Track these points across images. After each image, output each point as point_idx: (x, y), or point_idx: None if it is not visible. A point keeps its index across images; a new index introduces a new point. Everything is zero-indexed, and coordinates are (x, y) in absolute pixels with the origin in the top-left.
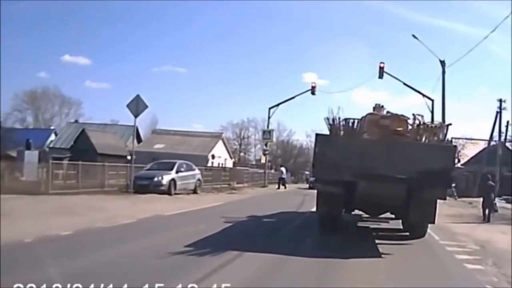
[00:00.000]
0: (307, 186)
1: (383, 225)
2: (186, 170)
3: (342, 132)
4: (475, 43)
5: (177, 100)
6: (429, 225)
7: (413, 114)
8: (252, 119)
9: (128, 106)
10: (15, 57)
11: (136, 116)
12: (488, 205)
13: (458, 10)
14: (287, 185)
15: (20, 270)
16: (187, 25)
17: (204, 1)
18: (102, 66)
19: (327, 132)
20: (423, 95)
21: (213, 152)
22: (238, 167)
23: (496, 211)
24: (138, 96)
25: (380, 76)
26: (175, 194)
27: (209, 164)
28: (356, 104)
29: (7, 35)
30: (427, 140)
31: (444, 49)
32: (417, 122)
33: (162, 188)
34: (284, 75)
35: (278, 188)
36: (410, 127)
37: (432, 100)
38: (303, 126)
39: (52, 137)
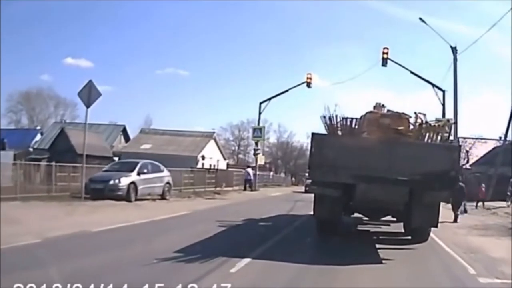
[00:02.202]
0: (303, 189)
1: (384, 228)
2: (152, 172)
3: (340, 132)
4: (477, 43)
5: (179, 102)
6: (454, 245)
7: (415, 113)
8: (252, 120)
9: (79, 94)
10: (18, 60)
11: (88, 106)
12: (458, 206)
13: (461, 10)
14: (252, 187)
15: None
16: (190, 27)
17: (207, 3)
18: (104, 69)
19: (324, 132)
20: (433, 85)
21: (203, 152)
22: (230, 169)
23: (466, 211)
24: (90, 82)
25: (384, 64)
26: (137, 200)
27: (200, 166)
28: (359, 104)
29: (9, 37)
30: (430, 140)
31: (446, 49)
32: (419, 120)
33: (119, 193)
34: (286, 76)
35: (245, 189)
36: (412, 126)
37: (443, 91)
38: (304, 128)
39: (38, 137)
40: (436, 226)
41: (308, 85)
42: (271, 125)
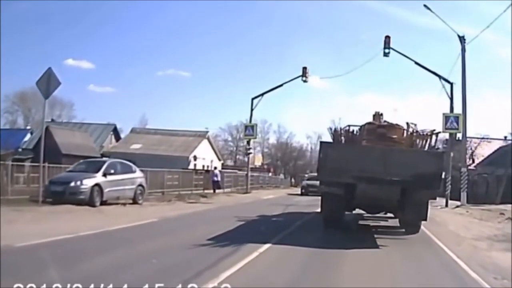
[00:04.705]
0: (300, 191)
1: (382, 223)
2: (122, 172)
3: (343, 140)
4: (479, 44)
5: (179, 103)
6: (479, 266)
7: (407, 123)
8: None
9: (37, 84)
10: (18, 61)
11: (47, 97)
12: None
13: (462, 10)
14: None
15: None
16: (191, 28)
17: (208, 3)
18: (105, 70)
19: (330, 140)
20: (440, 77)
21: (195, 152)
22: (224, 170)
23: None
24: (50, 69)
25: (386, 54)
26: (104, 204)
27: (191, 166)
28: (361, 106)
29: (10, 38)
30: (420, 146)
31: (447, 51)
32: (410, 130)
33: (81, 196)
34: (286, 78)
35: (214, 191)
36: (404, 134)
37: (451, 84)
38: (304, 128)
39: (28, 137)
40: (425, 220)
41: (304, 76)
42: (271, 125)
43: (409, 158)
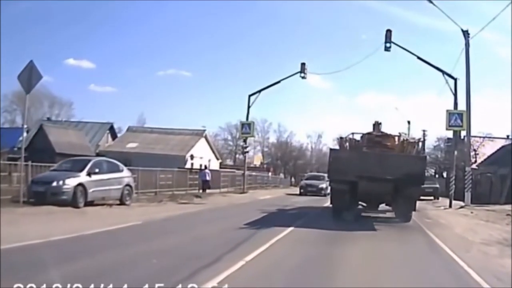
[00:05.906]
0: (299, 191)
1: (381, 215)
2: (108, 172)
3: (348, 146)
4: (479, 43)
5: (180, 103)
6: (493, 276)
7: (399, 133)
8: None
9: (19, 78)
10: (19, 61)
11: (28, 92)
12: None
13: (462, 11)
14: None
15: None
16: (192, 28)
17: (209, 3)
18: (106, 70)
19: (337, 147)
20: (443, 72)
21: (192, 151)
22: (221, 169)
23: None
24: (31, 62)
25: (387, 48)
26: (88, 205)
27: (188, 165)
28: (361, 106)
29: (10, 38)
30: (408, 152)
31: (447, 51)
32: (401, 138)
33: (64, 197)
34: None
35: (203, 191)
36: (396, 142)
37: (455, 79)
38: (304, 128)
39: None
40: (415, 210)
41: (302, 72)
42: (271, 125)
43: (400, 161)
